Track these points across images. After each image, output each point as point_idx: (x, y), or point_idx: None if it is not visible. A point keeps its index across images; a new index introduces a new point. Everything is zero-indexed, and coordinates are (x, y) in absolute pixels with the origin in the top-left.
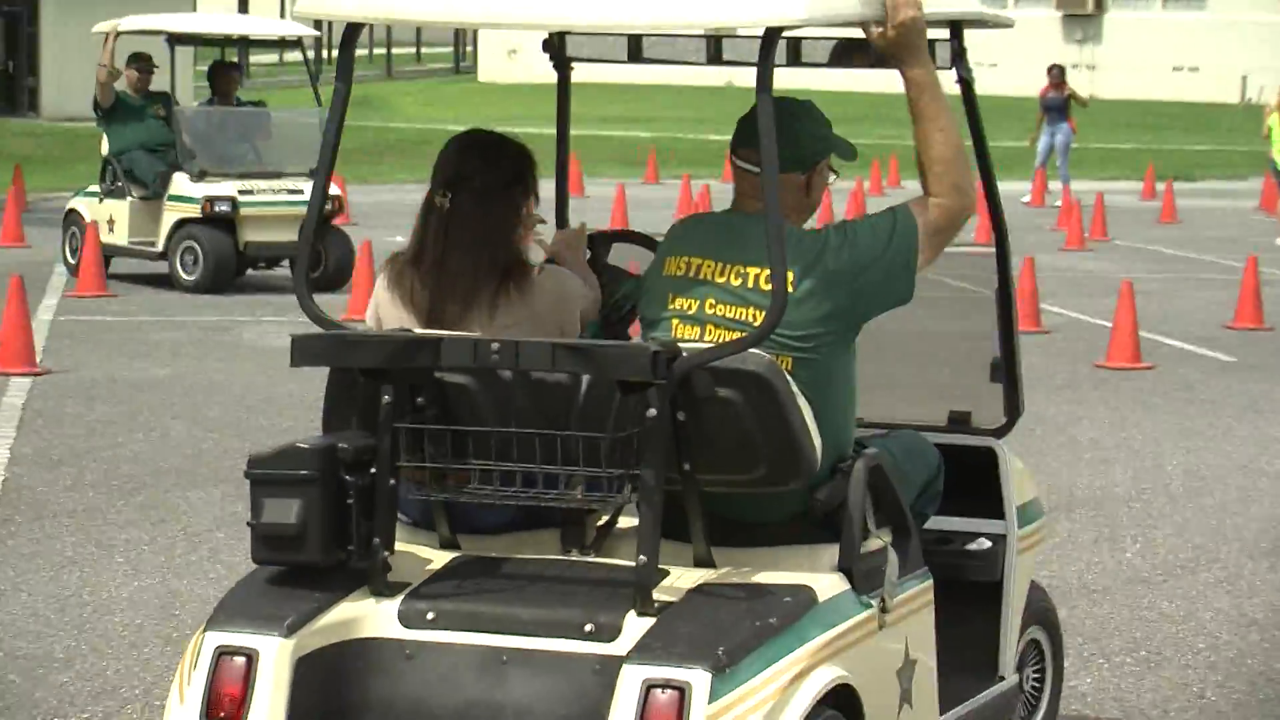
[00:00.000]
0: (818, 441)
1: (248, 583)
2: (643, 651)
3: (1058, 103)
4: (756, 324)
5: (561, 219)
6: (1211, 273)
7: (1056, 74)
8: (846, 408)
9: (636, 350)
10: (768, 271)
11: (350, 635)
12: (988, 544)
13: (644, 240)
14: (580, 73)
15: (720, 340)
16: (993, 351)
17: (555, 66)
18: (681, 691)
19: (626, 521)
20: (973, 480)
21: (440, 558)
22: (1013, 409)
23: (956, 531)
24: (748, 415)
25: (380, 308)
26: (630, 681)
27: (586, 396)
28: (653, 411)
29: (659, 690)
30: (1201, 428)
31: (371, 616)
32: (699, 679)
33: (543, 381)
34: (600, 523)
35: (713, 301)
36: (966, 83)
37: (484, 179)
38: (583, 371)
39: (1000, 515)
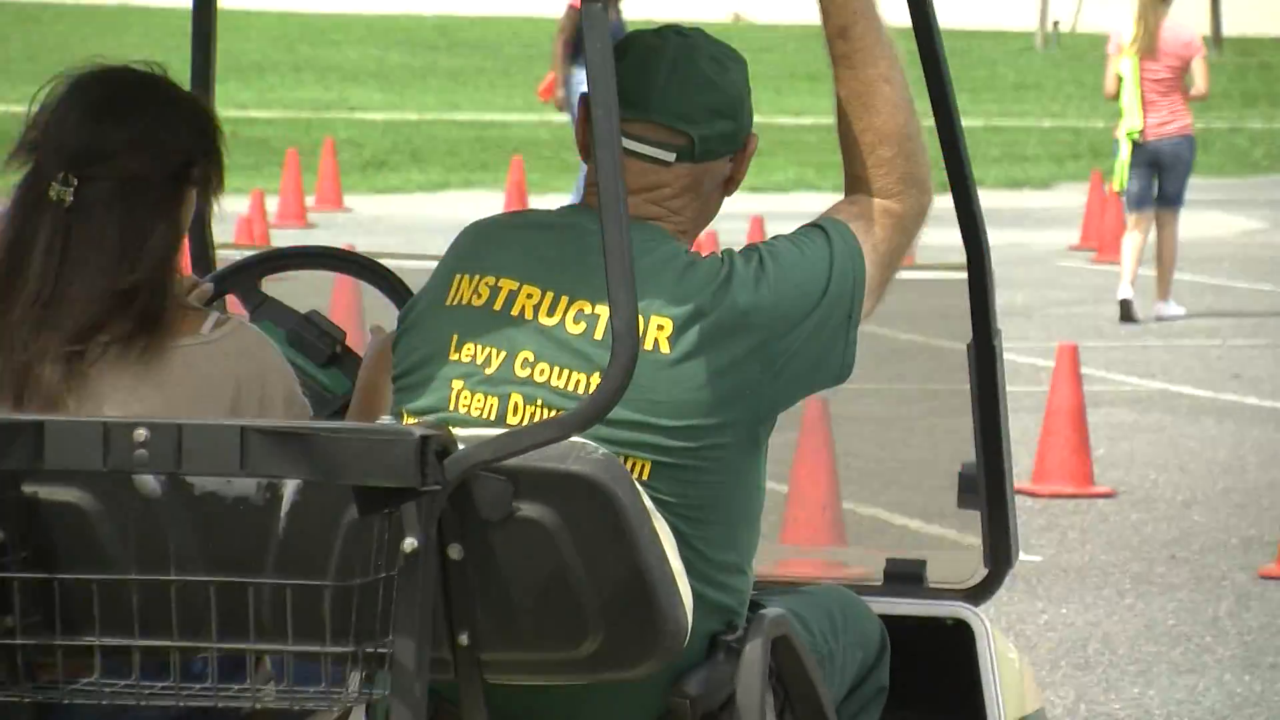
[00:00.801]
0: (687, 597)
1: None
2: None
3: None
4: None
5: (199, 244)
6: None
7: None
8: (739, 544)
9: (386, 436)
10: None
11: None
12: None
13: (368, 272)
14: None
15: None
16: (963, 455)
17: None
18: None
19: None
20: (938, 672)
21: None
22: (1001, 554)
23: None
24: (568, 550)
25: None
26: None
27: (295, 518)
28: (411, 543)
29: None
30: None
31: None
32: None
33: (217, 497)
34: None
35: (530, 356)
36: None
37: (134, 159)
38: (293, 475)
39: None
